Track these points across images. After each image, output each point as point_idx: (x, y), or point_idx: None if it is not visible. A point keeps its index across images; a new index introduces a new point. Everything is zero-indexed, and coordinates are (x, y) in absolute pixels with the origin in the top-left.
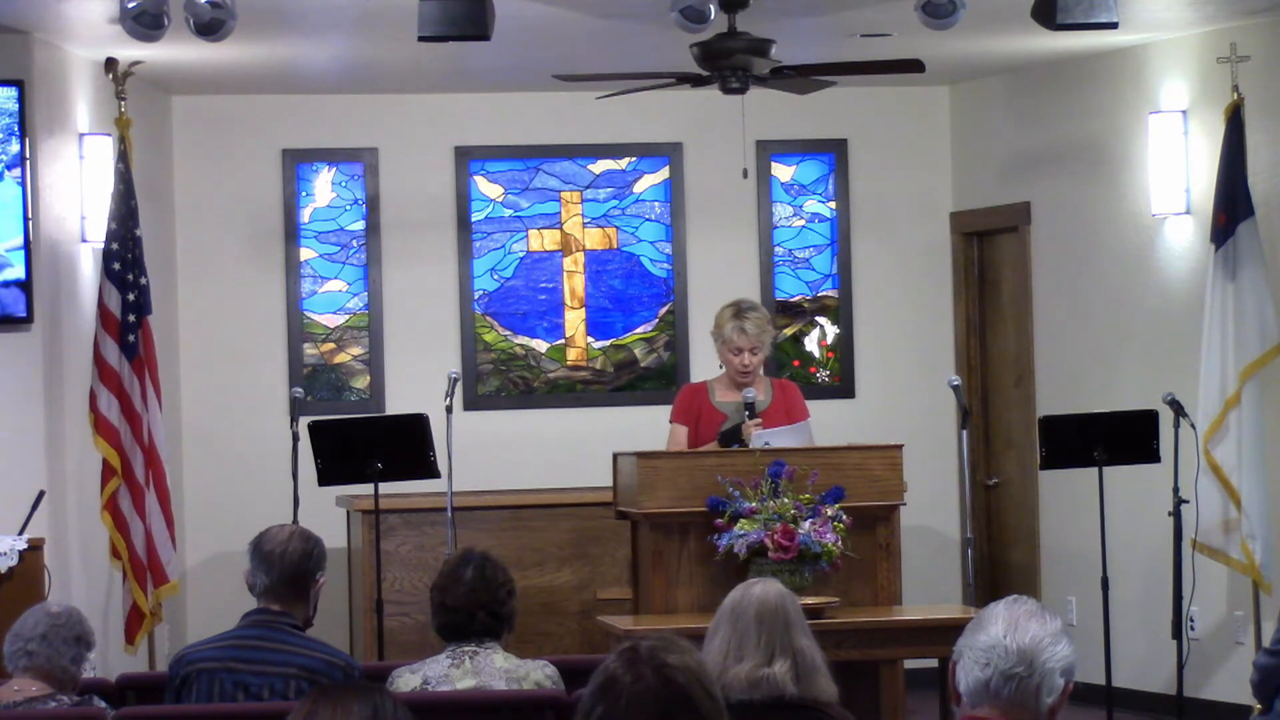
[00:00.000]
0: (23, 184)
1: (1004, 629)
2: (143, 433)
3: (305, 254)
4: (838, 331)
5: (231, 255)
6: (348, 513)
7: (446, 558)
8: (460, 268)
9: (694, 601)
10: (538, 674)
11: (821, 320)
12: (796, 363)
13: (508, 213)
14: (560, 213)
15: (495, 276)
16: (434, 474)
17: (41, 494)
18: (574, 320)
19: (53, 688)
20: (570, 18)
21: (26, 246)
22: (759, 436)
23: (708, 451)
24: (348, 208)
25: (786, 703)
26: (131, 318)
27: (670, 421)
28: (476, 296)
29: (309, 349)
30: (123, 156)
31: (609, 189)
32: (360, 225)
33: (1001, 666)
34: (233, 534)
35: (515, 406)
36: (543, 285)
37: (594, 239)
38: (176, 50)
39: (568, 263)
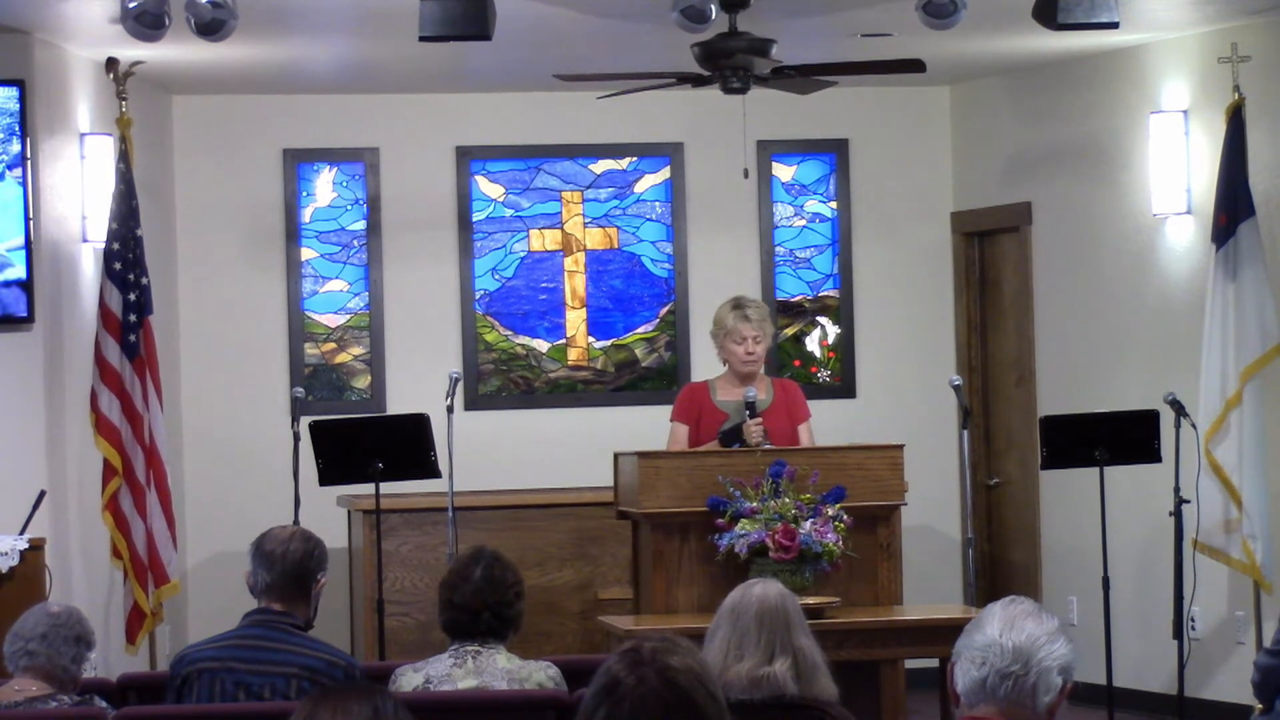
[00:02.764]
0: (23, 184)
1: (1000, 628)
2: (144, 432)
3: (306, 254)
4: (838, 331)
5: (232, 255)
6: (348, 512)
7: (459, 555)
8: (461, 268)
9: (695, 601)
10: (540, 675)
11: (822, 320)
12: (797, 363)
13: (509, 212)
14: (561, 213)
15: (496, 276)
16: (435, 474)
17: (42, 494)
18: (575, 320)
19: (53, 688)
20: (570, 18)
21: (27, 246)
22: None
23: (709, 451)
24: (349, 207)
25: (787, 702)
26: (132, 317)
27: (671, 420)
28: (477, 296)
29: (310, 349)
30: (123, 156)
31: (610, 189)
32: (361, 225)
33: (997, 665)
34: (233, 534)
35: (516, 406)
36: (544, 285)
37: (595, 239)
38: (177, 50)
39: (568, 263)
